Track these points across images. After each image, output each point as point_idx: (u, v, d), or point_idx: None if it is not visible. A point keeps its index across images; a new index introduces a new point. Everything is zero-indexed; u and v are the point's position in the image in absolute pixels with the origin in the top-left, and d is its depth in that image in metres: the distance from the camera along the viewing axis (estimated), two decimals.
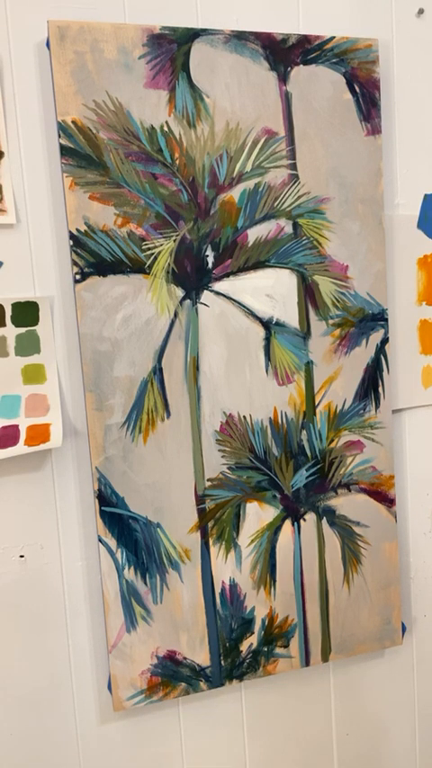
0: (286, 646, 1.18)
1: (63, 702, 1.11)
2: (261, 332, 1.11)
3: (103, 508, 1.05)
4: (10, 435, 1.00)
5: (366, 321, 1.17)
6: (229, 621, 1.14)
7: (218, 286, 1.08)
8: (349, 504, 1.19)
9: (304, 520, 1.17)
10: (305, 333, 1.13)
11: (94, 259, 1.01)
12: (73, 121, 0.98)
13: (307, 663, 1.20)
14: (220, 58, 1.04)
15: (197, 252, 1.06)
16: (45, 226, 1.02)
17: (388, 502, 1.22)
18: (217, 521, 1.12)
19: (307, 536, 1.17)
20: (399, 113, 1.19)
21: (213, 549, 1.12)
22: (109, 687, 1.11)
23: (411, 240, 1.22)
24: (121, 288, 1.03)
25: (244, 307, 1.10)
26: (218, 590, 1.13)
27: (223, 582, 1.13)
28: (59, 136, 0.98)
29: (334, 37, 1.10)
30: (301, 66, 1.08)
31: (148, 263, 1.04)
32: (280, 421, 1.13)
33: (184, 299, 1.06)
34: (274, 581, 1.16)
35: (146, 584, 1.09)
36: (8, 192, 1.00)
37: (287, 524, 1.16)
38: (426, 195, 1.22)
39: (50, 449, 1.05)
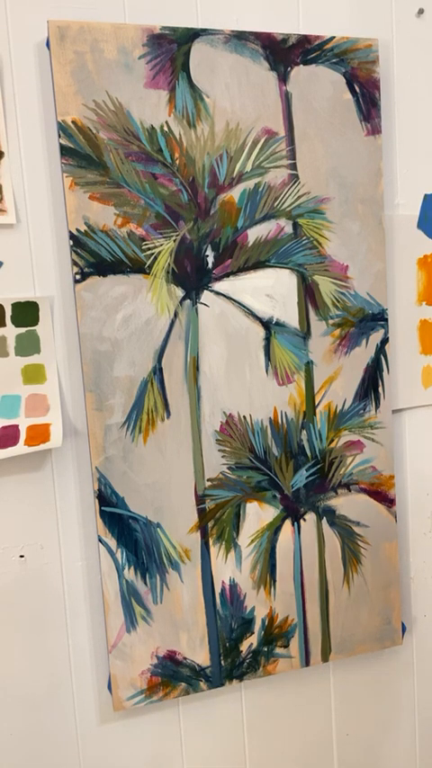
0: (286, 646, 1.18)
1: (63, 702, 1.11)
2: (261, 332, 1.11)
3: (103, 508, 1.05)
4: (10, 435, 1.00)
5: (366, 321, 1.17)
6: (229, 621, 1.14)
7: (218, 286, 1.08)
8: (349, 504, 1.19)
9: (304, 520, 1.17)
10: (305, 333, 1.13)
11: (94, 259, 1.01)
12: (73, 121, 0.98)
13: (307, 663, 1.20)
14: (220, 58, 1.04)
15: (197, 252, 1.06)
16: (45, 226, 1.02)
17: (388, 502, 1.22)
18: (217, 521, 1.12)
19: (307, 536, 1.17)
20: (399, 113, 1.19)
21: (213, 549, 1.12)
22: (109, 687, 1.11)
23: (411, 240, 1.22)
24: (121, 288, 1.03)
25: (244, 307, 1.10)
26: (218, 590, 1.13)
27: (223, 582, 1.13)
28: (59, 136, 0.98)
29: (334, 37, 1.10)
30: (301, 66, 1.08)
31: (148, 263, 1.04)
32: (280, 421, 1.13)
33: (184, 299, 1.06)
34: (274, 581, 1.16)
35: (146, 584, 1.09)
36: (8, 191, 1.00)
37: (287, 524, 1.16)
38: (426, 195, 1.22)
39: (50, 449, 1.05)
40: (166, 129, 1.02)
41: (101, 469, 1.05)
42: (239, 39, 1.05)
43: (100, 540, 1.06)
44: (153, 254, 1.04)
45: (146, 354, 1.05)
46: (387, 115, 1.18)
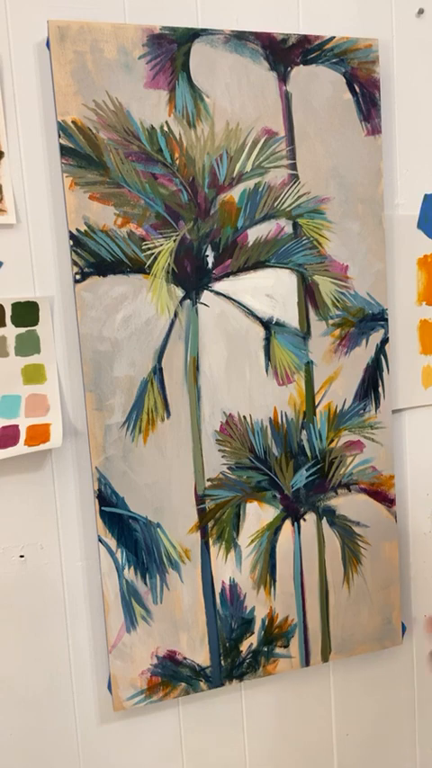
0: (286, 646, 1.18)
1: (63, 702, 1.11)
2: (261, 332, 1.11)
3: (103, 508, 1.05)
4: (10, 435, 1.00)
5: (366, 321, 1.17)
6: (229, 621, 1.14)
7: (218, 286, 1.08)
8: (349, 504, 1.19)
9: (304, 520, 1.17)
10: (305, 333, 1.13)
11: (94, 259, 1.01)
12: (73, 121, 0.98)
13: (307, 663, 1.20)
14: (220, 58, 1.04)
15: (197, 252, 1.06)
16: (45, 226, 1.02)
17: (388, 502, 1.22)
18: (217, 521, 1.12)
19: (307, 536, 1.17)
20: (399, 113, 1.19)
21: (213, 549, 1.12)
22: (109, 687, 1.11)
23: (411, 240, 1.22)
24: (121, 288, 1.03)
25: (244, 307, 1.10)
26: (218, 590, 1.13)
27: (223, 582, 1.13)
28: (59, 136, 0.98)
29: (334, 37, 1.10)
30: (301, 66, 1.08)
31: (148, 263, 1.04)
32: (280, 421, 1.13)
33: (184, 299, 1.06)
34: (274, 581, 1.16)
35: (146, 584, 1.09)
36: (8, 192, 1.00)
37: (287, 524, 1.16)
38: (426, 195, 1.22)
39: (50, 449, 1.05)
40: (166, 129, 1.02)
41: (101, 469, 1.05)
42: (239, 39, 1.05)
43: (100, 540, 1.06)
44: (153, 254, 1.04)
45: (146, 354, 1.05)
46: (387, 115, 1.18)
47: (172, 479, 1.08)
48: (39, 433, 1.01)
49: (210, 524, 1.11)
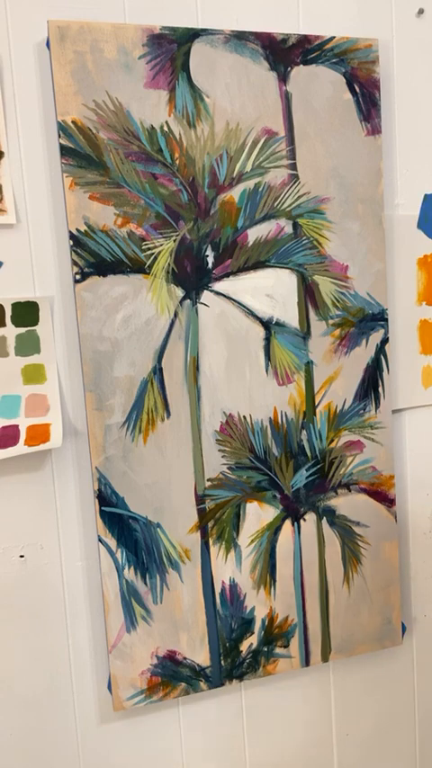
0: (286, 646, 1.18)
1: (63, 702, 1.11)
2: (261, 332, 1.11)
3: (103, 508, 1.05)
4: (10, 435, 1.00)
5: (366, 321, 1.17)
6: (229, 621, 1.14)
7: (218, 286, 1.08)
8: (349, 504, 1.19)
9: (304, 520, 1.17)
10: (305, 333, 1.13)
11: (94, 259, 1.01)
12: (73, 121, 0.98)
13: (307, 663, 1.20)
14: (220, 58, 1.04)
15: (197, 252, 1.06)
16: (45, 226, 1.02)
17: (388, 502, 1.22)
18: (217, 521, 1.12)
19: (307, 536, 1.17)
20: (399, 113, 1.19)
21: (213, 549, 1.12)
22: (109, 687, 1.11)
23: (411, 240, 1.22)
24: (121, 288, 1.03)
25: (244, 307, 1.10)
26: (218, 590, 1.13)
27: (223, 582, 1.13)
28: (59, 136, 0.98)
29: (334, 37, 1.10)
30: (301, 66, 1.08)
31: (148, 263, 1.04)
32: (280, 421, 1.13)
33: (184, 299, 1.06)
34: (274, 581, 1.16)
35: (146, 584, 1.09)
36: (8, 192, 1.00)
37: (287, 524, 1.16)
38: (426, 195, 1.22)
39: (50, 449, 1.05)
40: (166, 129, 1.02)
41: (101, 469, 1.05)
42: (239, 39, 1.05)
43: (100, 540, 1.06)
44: (153, 254, 1.04)
45: (146, 354, 1.05)
46: (387, 115, 1.18)
47: (172, 479, 1.08)
48: (39, 433, 1.01)
49: (210, 524, 1.11)
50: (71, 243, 1.00)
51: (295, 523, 1.16)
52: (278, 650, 1.17)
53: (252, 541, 1.14)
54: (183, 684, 1.13)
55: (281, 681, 1.22)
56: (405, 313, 1.23)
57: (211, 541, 1.12)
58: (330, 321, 1.15)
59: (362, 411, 1.18)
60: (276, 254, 1.10)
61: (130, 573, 1.08)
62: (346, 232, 1.14)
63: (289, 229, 1.11)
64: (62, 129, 0.98)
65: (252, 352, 1.11)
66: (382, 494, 1.21)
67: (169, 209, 1.04)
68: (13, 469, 1.04)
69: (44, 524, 1.07)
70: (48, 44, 0.97)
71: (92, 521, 1.08)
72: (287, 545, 1.16)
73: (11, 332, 1.00)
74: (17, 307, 1.00)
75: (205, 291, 1.07)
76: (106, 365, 1.04)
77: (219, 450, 1.11)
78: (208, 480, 1.10)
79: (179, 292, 1.06)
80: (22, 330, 1.01)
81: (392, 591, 1.23)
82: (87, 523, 1.08)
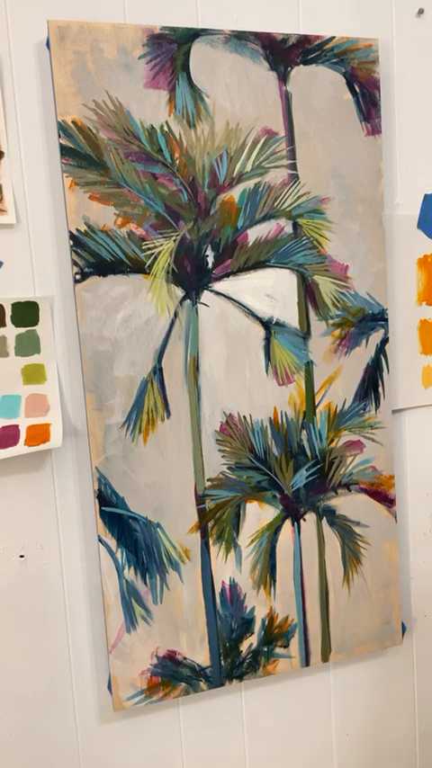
0: (286, 646, 1.18)
1: (63, 702, 1.11)
2: (261, 332, 1.11)
3: (103, 508, 1.05)
4: (10, 435, 1.00)
5: (366, 321, 1.17)
6: (229, 621, 1.14)
7: (218, 286, 1.08)
8: (349, 504, 1.19)
9: (304, 520, 1.17)
10: (305, 333, 1.13)
11: (94, 259, 1.01)
12: (73, 121, 0.98)
13: (307, 663, 1.20)
14: (220, 58, 1.04)
15: (197, 252, 1.06)
16: (45, 226, 1.02)
17: (388, 502, 1.22)
18: (217, 521, 1.12)
19: (307, 536, 1.17)
20: (399, 113, 1.19)
21: (213, 549, 1.12)
22: (109, 687, 1.11)
23: (411, 240, 1.22)
24: (121, 288, 1.03)
25: (244, 307, 1.10)
26: (218, 590, 1.13)
27: (223, 582, 1.13)
28: (59, 136, 0.98)
29: (334, 37, 1.10)
30: (301, 66, 1.08)
31: (148, 263, 1.04)
32: (280, 421, 1.13)
33: (184, 299, 1.06)
34: (274, 581, 1.16)
35: (146, 584, 1.09)
36: (8, 192, 1.00)
37: (287, 524, 1.16)
38: (426, 195, 1.22)
39: (50, 449, 1.05)
40: (166, 129, 1.02)
41: (101, 469, 1.05)
42: (239, 39, 1.05)
43: (100, 540, 1.06)
44: (153, 254, 1.04)
45: (146, 354, 1.05)
46: (387, 115, 1.18)
47: (172, 479, 1.08)
48: (39, 433, 1.01)
49: (210, 524, 1.11)
50: (71, 243, 1.00)
51: (295, 523, 1.16)
52: (278, 650, 1.17)
53: (252, 541, 1.14)
54: (183, 684, 1.13)
55: (281, 681, 1.22)
56: (405, 313, 1.23)
57: (211, 541, 1.12)
58: (330, 321, 1.15)
59: (362, 411, 1.18)
60: (276, 254, 1.10)
61: (130, 573, 1.08)
62: (346, 232, 1.14)
63: (289, 229, 1.11)
64: (62, 129, 0.98)
65: (252, 352, 1.11)
66: (382, 494, 1.21)
67: (169, 209, 1.04)
68: (13, 469, 1.04)
69: (44, 524, 1.07)
70: (48, 44, 0.97)
71: (92, 521, 1.08)
72: (287, 545, 1.16)
73: (11, 332, 1.00)
74: (17, 307, 1.00)
75: (205, 291, 1.07)
76: (106, 365, 1.04)
77: (219, 451, 1.11)
78: (208, 480, 1.10)
79: (179, 292, 1.06)
80: (22, 330, 1.01)
81: (392, 591, 1.23)
82: (87, 523, 1.08)
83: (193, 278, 1.06)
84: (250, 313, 1.10)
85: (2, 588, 1.06)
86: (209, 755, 1.20)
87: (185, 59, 1.03)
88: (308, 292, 1.13)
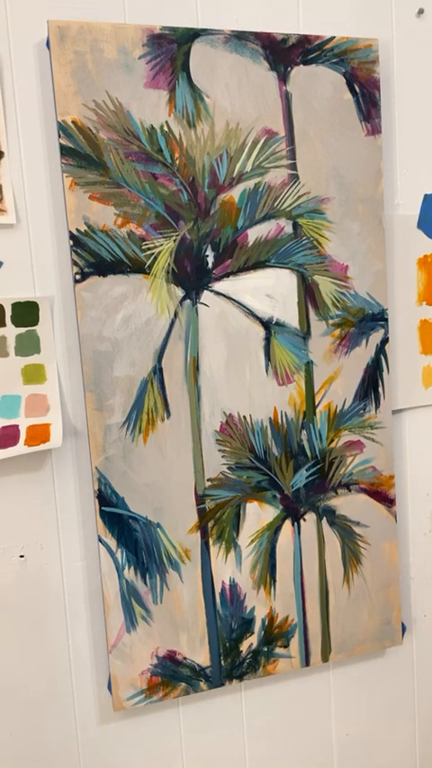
0: (286, 646, 1.18)
1: (63, 702, 1.11)
2: (261, 332, 1.11)
3: (103, 508, 1.05)
4: (10, 435, 1.00)
5: (366, 321, 1.17)
6: (229, 621, 1.14)
7: (218, 286, 1.08)
8: (349, 504, 1.19)
9: (304, 520, 1.17)
10: (305, 333, 1.13)
11: (94, 259, 1.01)
12: (73, 121, 0.98)
13: (307, 663, 1.20)
14: (220, 58, 1.04)
15: (197, 252, 1.06)
16: (45, 226, 1.02)
17: (388, 502, 1.22)
18: (217, 521, 1.12)
19: (307, 536, 1.17)
20: (399, 113, 1.19)
21: (213, 549, 1.12)
22: (109, 687, 1.11)
23: (411, 240, 1.22)
24: (121, 288, 1.03)
25: (244, 307, 1.10)
26: (218, 590, 1.13)
27: (223, 582, 1.13)
28: (59, 136, 0.98)
29: (334, 37, 1.10)
30: (301, 66, 1.08)
31: (148, 263, 1.04)
32: (280, 421, 1.13)
33: (184, 299, 1.06)
34: (274, 581, 1.16)
35: (146, 584, 1.09)
36: (8, 192, 1.00)
37: (287, 524, 1.16)
38: (426, 195, 1.22)
39: (50, 449, 1.05)
40: (166, 129, 1.02)
41: (101, 469, 1.05)
42: (239, 39, 1.05)
43: (100, 540, 1.06)
44: (153, 254, 1.04)
45: (146, 354, 1.05)
46: (387, 115, 1.18)
47: (172, 479, 1.08)
48: (39, 433, 1.01)
49: (210, 524, 1.11)
50: (71, 243, 1.00)
51: (295, 523, 1.16)
52: (278, 650, 1.17)
53: (252, 541, 1.14)
54: (183, 684, 1.13)
55: (281, 681, 1.22)
56: (405, 313, 1.23)
57: (211, 541, 1.12)
58: (330, 321, 1.15)
59: (362, 411, 1.18)
60: (276, 254, 1.10)
61: (129, 573, 1.08)
62: (346, 232, 1.14)
63: (289, 229, 1.11)
64: (62, 129, 0.98)
65: (252, 352, 1.11)
66: (382, 494, 1.21)
67: (169, 209, 1.04)
68: (13, 469, 1.04)
69: (44, 524, 1.07)
70: (48, 44, 0.97)
71: (92, 521, 1.08)
72: (287, 545, 1.16)
73: (11, 332, 1.00)
74: (17, 307, 1.00)
75: (205, 291, 1.07)
76: (106, 365, 1.04)
77: (219, 451, 1.11)
78: (208, 480, 1.10)
79: (179, 292, 1.06)
80: (22, 330, 1.01)
81: (392, 591, 1.23)
82: (87, 523, 1.08)
83: (193, 278, 1.06)
84: (250, 313, 1.10)
85: (2, 588, 1.06)
86: (209, 755, 1.20)
87: (185, 59, 1.03)
88: (308, 292, 1.13)
